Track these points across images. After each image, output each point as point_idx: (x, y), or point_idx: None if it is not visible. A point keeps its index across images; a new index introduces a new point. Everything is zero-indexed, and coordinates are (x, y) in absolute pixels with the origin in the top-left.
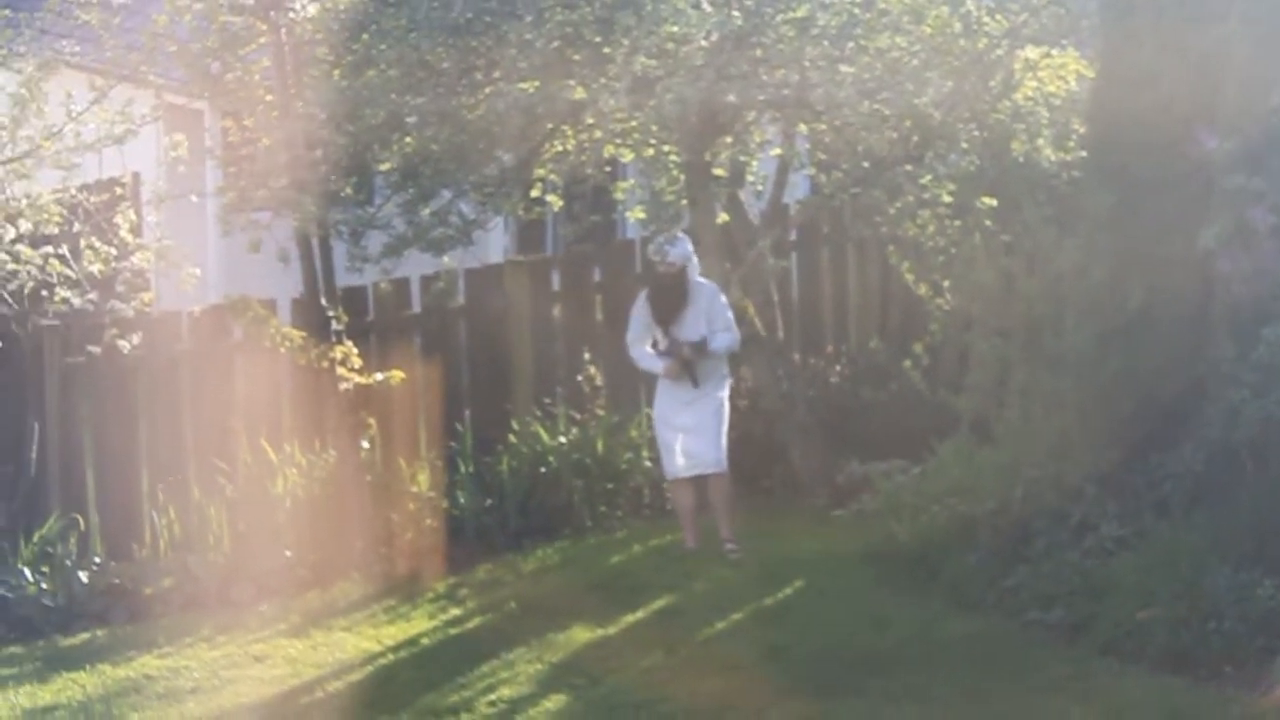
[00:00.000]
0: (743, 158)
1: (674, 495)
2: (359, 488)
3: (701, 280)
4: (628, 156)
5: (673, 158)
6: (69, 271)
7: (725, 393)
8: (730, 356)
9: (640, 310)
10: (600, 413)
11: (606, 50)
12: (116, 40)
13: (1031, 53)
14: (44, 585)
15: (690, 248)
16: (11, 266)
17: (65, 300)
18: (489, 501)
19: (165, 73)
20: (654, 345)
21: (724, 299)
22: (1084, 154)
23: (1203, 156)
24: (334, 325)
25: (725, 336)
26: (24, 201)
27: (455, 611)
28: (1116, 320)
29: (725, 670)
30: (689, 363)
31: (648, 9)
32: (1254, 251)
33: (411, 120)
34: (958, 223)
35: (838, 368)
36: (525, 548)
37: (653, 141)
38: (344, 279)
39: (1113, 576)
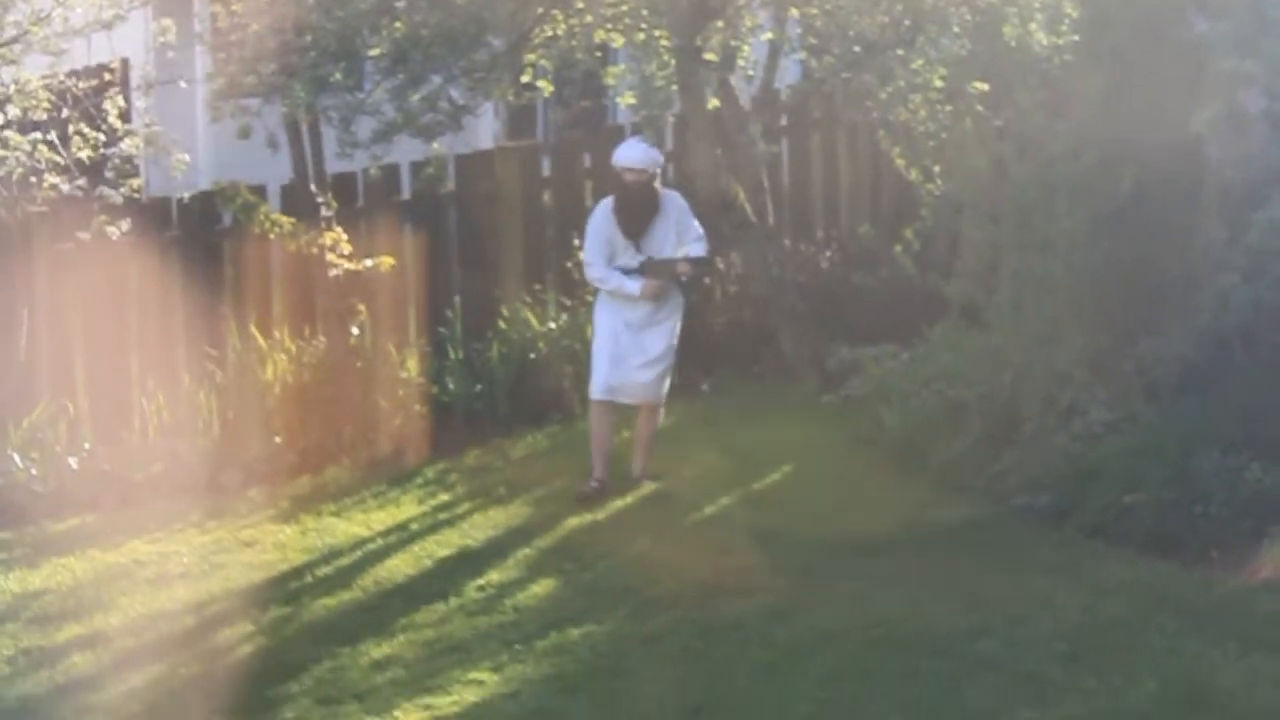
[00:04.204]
0: (734, 42)
1: (595, 419)
2: (348, 374)
3: (666, 189)
4: (618, 42)
5: (663, 43)
6: (58, 158)
7: (680, 316)
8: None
9: (602, 224)
10: (589, 299)
11: None
12: None
13: None
14: (34, 471)
15: (658, 154)
16: (0, 153)
17: (54, 186)
18: (478, 387)
19: None
20: (609, 260)
21: (689, 207)
22: (1076, 38)
23: (1195, 39)
24: (324, 211)
25: (701, 245)
26: (12, 87)
27: (444, 497)
28: (1108, 205)
29: (713, 555)
30: (684, 279)
31: None
32: (1245, 135)
33: (401, 5)
34: (949, 107)
35: (828, 253)
36: (515, 433)
37: (643, 26)
38: (334, 165)
39: (1101, 461)
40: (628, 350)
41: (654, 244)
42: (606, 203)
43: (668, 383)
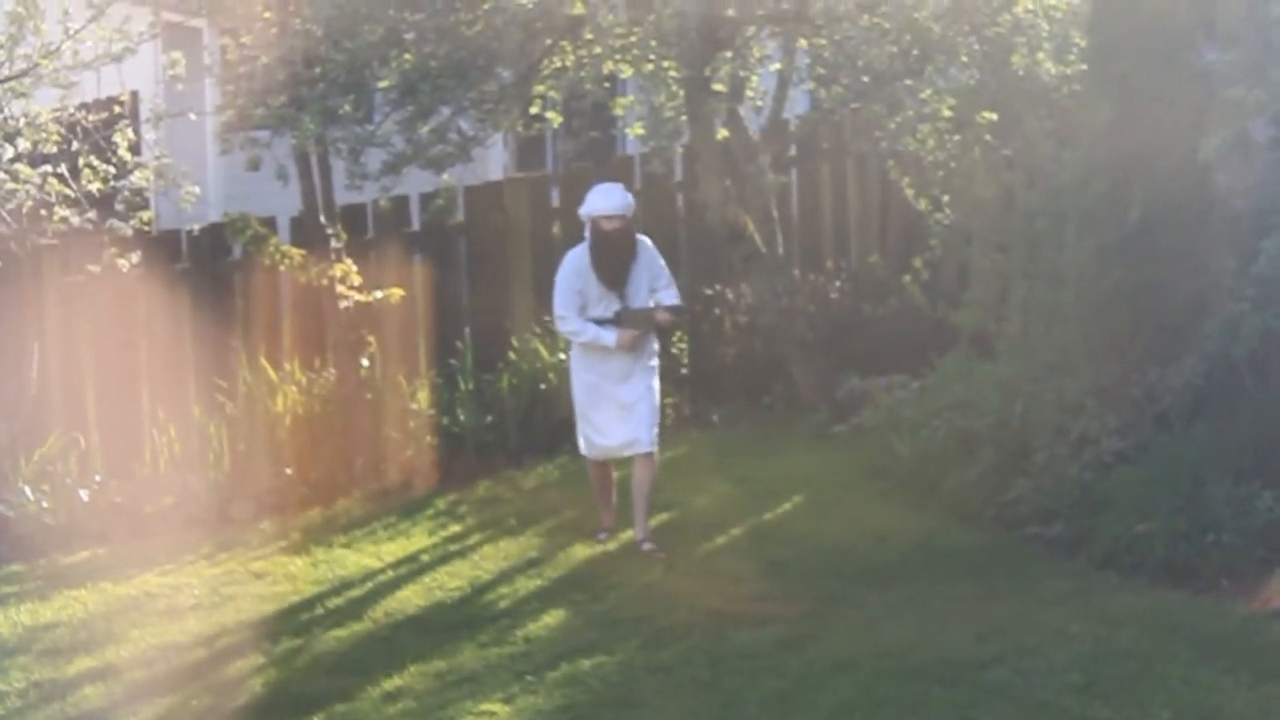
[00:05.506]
0: (742, 73)
1: (594, 474)
2: (359, 405)
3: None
4: (627, 72)
5: (672, 73)
6: (68, 190)
7: (657, 362)
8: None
9: (572, 277)
10: None
11: None
12: None
13: None
14: (45, 504)
15: (631, 197)
16: (10, 185)
17: (64, 219)
18: (489, 418)
19: None
20: (581, 312)
21: (657, 251)
22: (1084, 67)
23: (1203, 68)
24: (333, 243)
25: (673, 292)
26: (22, 120)
27: (455, 528)
28: (1116, 234)
29: (725, 585)
30: (661, 328)
31: None
32: (1254, 164)
33: (410, 36)
34: (958, 137)
35: (838, 283)
36: (525, 464)
37: (652, 57)
38: (343, 197)
39: (1112, 490)
40: (607, 406)
41: (629, 292)
42: (577, 253)
43: (656, 430)
